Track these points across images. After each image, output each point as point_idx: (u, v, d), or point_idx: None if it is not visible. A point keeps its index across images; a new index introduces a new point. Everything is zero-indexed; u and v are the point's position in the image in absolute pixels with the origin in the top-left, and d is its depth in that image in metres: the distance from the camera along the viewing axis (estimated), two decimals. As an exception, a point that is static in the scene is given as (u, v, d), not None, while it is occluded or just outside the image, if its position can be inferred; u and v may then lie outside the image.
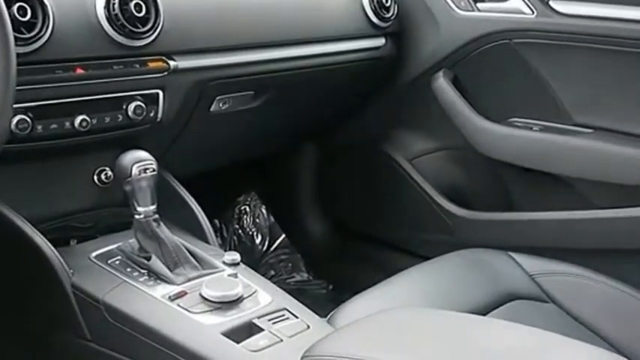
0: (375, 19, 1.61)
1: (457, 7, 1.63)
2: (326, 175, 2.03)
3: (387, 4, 1.62)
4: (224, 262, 1.17)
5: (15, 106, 0.95)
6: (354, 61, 1.62)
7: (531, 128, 1.61)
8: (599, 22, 1.48)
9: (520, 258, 1.38)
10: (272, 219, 2.15)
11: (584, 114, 1.57)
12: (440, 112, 1.67)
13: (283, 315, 1.08)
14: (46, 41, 1.10)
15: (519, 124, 1.63)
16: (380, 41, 1.66)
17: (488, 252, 1.40)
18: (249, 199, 2.14)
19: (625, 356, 0.88)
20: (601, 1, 1.50)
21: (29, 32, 1.07)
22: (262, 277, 1.19)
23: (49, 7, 1.10)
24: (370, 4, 1.60)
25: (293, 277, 2.07)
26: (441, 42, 1.65)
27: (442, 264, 1.38)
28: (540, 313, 1.28)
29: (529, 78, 1.59)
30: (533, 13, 1.55)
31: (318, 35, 1.53)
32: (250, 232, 2.12)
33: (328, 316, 1.17)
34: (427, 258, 1.44)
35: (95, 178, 1.31)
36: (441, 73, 1.66)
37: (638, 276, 1.40)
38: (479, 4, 1.63)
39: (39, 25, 1.09)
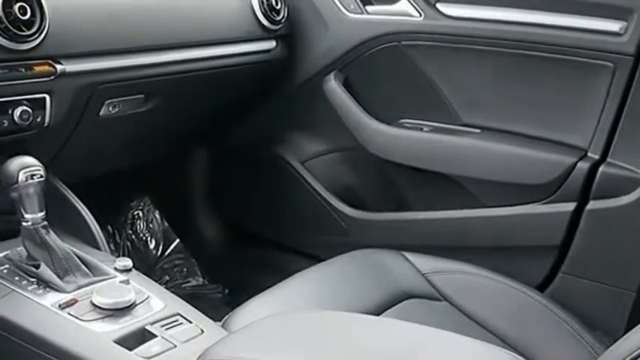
0: (265, 22, 1.65)
1: (346, 9, 1.69)
2: (219, 179, 2.05)
3: (278, 7, 1.67)
4: (116, 269, 1.19)
5: None
6: (245, 63, 1.66)
7: (421, 129, 1.68)
8: (484, 25, 1.57)
9: (413, 257, 1.43)
10: (166, 224, 2.15)
11: (472, 114, 1.65)
12: (332, 114, 1.73)
13: (177, 320, 1.10)
14: None
15: (409, 125, 1.70)
16: (270, 44, 1.70)
17: (382, 252, 1.45)
18: (142, 203, 2.13)
19: (517, 351, 0.94)
20: (486, 4, 1.58)
21: None
22: (155, 283, 1.21)
23: None
24: (260, 7, 1.64)
25: (188, 281, 2.08)
26: (331, 44, 1.71)
27: (336, 265, 1.42)
28: (433, 311, 1.34)
29: (418, 79, 1.66)
30: (420, 15, 1.62)
31: (208, 38, 1.56)
32: (144, 238, 2.12)
33: (222, 321, 1.20)
34: (322, 259, 1.48)
35: None
36: (332, 75, 1.72)
37: (530, 272, 1.49)
38: (368, 7, 1.69)
39: None
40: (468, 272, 1.42)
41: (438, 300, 1.37)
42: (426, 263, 1.43)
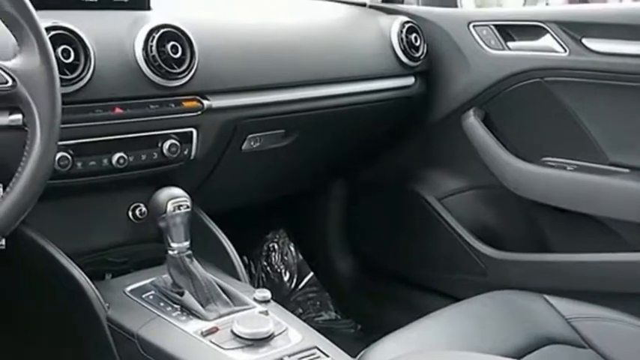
0: (404, 59, 1.68)
1: (487, 45, 1.68)
2: (354, 213, 2.08)
3: (417, 44, 1.70)
4: (255, 299, 1.22)
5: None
6: (384, 100, 1.69)
7: (565, 168, 1.64)
8: (632, 60, 1.52)
9: (555, 301, 1.38)
10: (300, 256, 2.21)
11: (620, 153, 1.59)
12: (470, 151, 1.72)
13: (314, 353, 1.12)
14: (88, 82, 1.19)
15: (552, 164, 1.67)
16: (409, 80, 1.73)
17: (522, 294, 1.41)
18: (277, 236, 2.20)
19: None
20: (635, 39, 1.52)
21: (72, 73, 1.16)
22: (293, 315, 1.24)
23: (90, 50, 1.19)
24: (400, 44, 1.67)
25: (321, 315, 2.12)
26: (471, 81, 1.71)
27: (474, 305, 1.39)
28: (577, 359, 1.28)
29: (562, 116, 1.63)
30: (565, 51, 1.59)
31: (349, 75, 1.61)
32: (279, 270, 2.18)
33: (358, 356, 1.20)
34: (457, 299, 1.46)
35: (130, 213, 1.39)
36: (471, 112, 1.71)
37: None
38: (509, 43, 1.68)
39: (81, 67, 1.18)
40: (615, 319, 1.35)
41: (583, 347, 1.31)
42: (569, 308, 1.37)
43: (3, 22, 0.97)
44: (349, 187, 2.06)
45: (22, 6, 0.96)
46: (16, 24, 0.96)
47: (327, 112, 1.58)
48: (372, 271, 2.09)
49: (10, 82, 0.93)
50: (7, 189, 0.93)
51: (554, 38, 1.61)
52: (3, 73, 0.93)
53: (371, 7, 1.84)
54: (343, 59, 1.61)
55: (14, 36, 0.98)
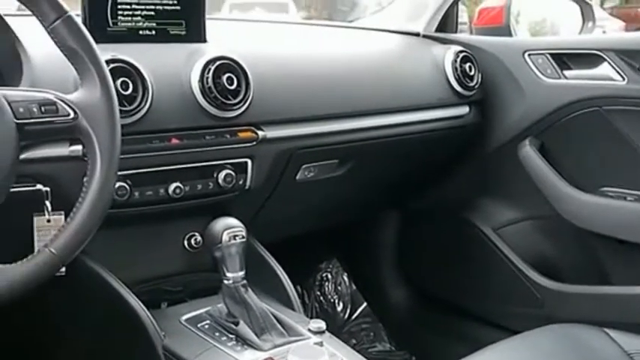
0: (458, 88, 1.68)
1: (543, 74, 1.68)
2: (408, 243, 2.07)
3: (471, 73, 1.70)
4: (310, 330, 1.22)
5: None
6: (438, 129, 1.68)
7: (625, 198, 1.62)
8: None
9: (616, 335, 1.35)
10: (354, 286, 2.20)
11: None
12: (527, 181, 1.70)
13: None
14: (145, 113, 1.21)
15: (612, 194, 1.64)
16: (464, 109, 1.72)
17: (582, 327, 1.38)
18: (330, 265, 2.20)
19: None
20: None
21: (130, 105, 1.19)
22: (348, 346, 1.24)
23: (148, 82, 1.21)
24: (454, 73, 1.67)
25: (375, 346, 2.10)
26: (527, 110, 1.70)
27: (532, 338, 1.36)
28: None
29: (621, 145, 1.61)
30: (624, 79, 1.57)
31: (403, 104, 1.61)
32: (332, 300, 2.18)
33: None
34: (513, 331, 1.43)
35: (185, 243, 1.41)
36: (527, 141, 1.70)
37: None
38: (565, 72, 1.67)
39: (139, 99, 1.20)
40: None
41: None
42: (631, 342, 1.34)
43: (66, 56, 1.00)
44: (402, 216, 2.06)
45: (84, 41, 0.99)
46: (78, 58, 0.99)
47: (381, 142, 1.58)
48: (427, 301, 2.08)
49: (72, 115, 0.96)
50: (68, 219, 0.95)
51: (612, 66, 1.60)
52: (65, 106, 0.96)
53: (424, 36, 1.85)
54: (397, 89, 1.62)
55: (76, 69, 1.01)
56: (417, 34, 1.86)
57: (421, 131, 1.65)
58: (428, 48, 1.77)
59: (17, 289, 0.89)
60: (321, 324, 1.22)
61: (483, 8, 1.96)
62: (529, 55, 1.70)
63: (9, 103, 0.91)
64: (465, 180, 1.87)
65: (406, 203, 2.00)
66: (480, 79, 1.72)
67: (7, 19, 1.16)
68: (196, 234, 1.41)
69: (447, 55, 1.69)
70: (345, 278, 2.20)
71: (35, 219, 1.09)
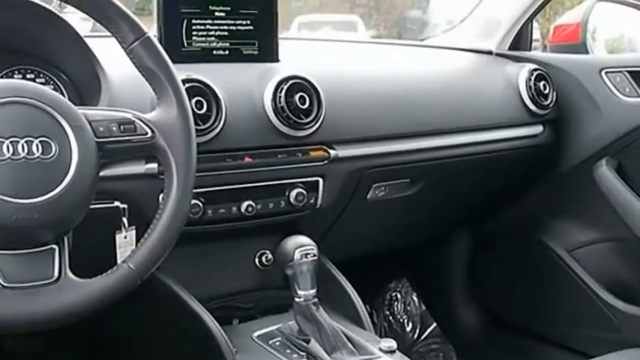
0: (533, 107, 1.66)
1: (621, 93, 1.65)
2: (479, 264, 2.05)
3: (546, 92, 1.67)
4: (380, 349, 1.21)
5: (192, 191, 1.08)
6: (511, 149, 1.66)
7: None
8: None
9: None
10: (423, 307, 2.19)
11: None
12: (602, 202, 1.67)
13: None
14: (219, 132, 1.24)
15: (692, 216, 1.59)
16: (538, 129, 1.70)
17: None
18: (400, 285, 2.19)
19: None
20: None
21: (204, 124, 1.22)
22: (419, 367, 1.24)
23: (222, 101, 1.24)
24: (528, 92, 1.65)
25: (445, 368, 2.10)
26: (603, 129, 1.67)
27: None
28: None
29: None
30: None
31: (475, 124, 1.60)
32: (401, 320, 2.17)
33: None
34: (588, 355, 1.42)
35: (256, 260, 1.43)
36: (603, 161, 1.67)
37: None
38: (645, 90, 1.63)
39: (213, 117, 1.23)
40: None
41: None
42: None
43: (144, 76, 1.03)
44: (473, 236, 2.04)
45: (162, 62, 1.02)
46: (155, 78, 1.02)
47: (453, 162, 1.58)
48: (498, 323, 2.05)
49: (150, 134, 0.99)
50: (145, 235, 0.98)
51: (694, 84, 1.56)
52: (143, 125, 0.99)
53: (497, 54, 1.84)
54: (469, 108, 1.61)
55: (153, 89, 1.03)
56: (490, 52, 1.85)
57: (494, 150, 1.63)
58: (501, 66, 1.75)
59: (97, 303, 0.92)
60: (392, 343, 1.22)
61: (559, 25, 1.93)
62: (606, 73, 1.67)
63: (90, 123, 0.95)
64: (538, 200, 1.84)
65: (477, 223, 1.98)
66: (554, 98, 1.69)
67: (86, 40, 1.21)
68: (267, 252, 1.43)
69: (521, 73, 1.68)
70: (415, 298, 2.19)
71: (117, 236, 1.12)
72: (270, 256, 1.43)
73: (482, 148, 1.61)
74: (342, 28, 9.72)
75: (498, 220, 1.93)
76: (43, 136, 0.89)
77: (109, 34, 1.01)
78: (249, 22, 1.39)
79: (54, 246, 0.91)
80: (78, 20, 1.21)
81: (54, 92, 0.96)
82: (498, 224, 1.94)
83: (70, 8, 1.03)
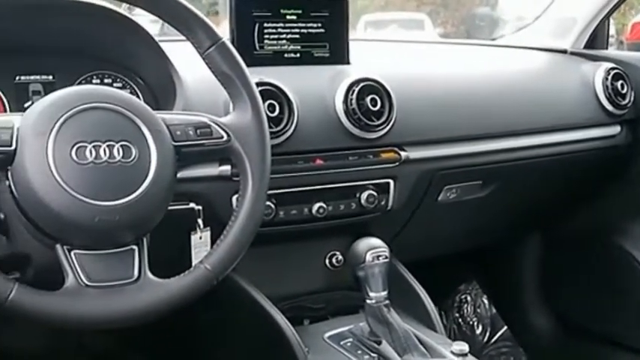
0: (609, 107, 1.63)
1: None
2: (552, 268, 2.01)
3: (624, 91, 1.64)
4: (452, 352, 1.21)
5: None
6: (587, 150, 1.64)
7: None
8: None
9: None
10: (493, 310, 2.17)
11: None
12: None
13: None
14: (291, 134, 1.26)
15: None
16: (615, 129, 1.67)
17: None
18: (470, 287, 2.18)
19: None
20: None
21: (276, 126, 1.24)
22: (490, 371, 1.24)
23: (293, 103, 1.26)
24: (604, 92, 1.62)
25: (515, 371, 2.07)
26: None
27: None
28: None
29: None
30: None
31: (549, 124, 1.58)
32: (471, 322, 2.16)
33: None
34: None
35: (327, 261, 1.45)
36: (683, 162, 1.63)
37: None
38: None
39: (285, 120, 1.26)
40: None
41: None
42: None
43: (219, 80, 1.05)
44: (546, 240, 2.00)
45: (237, 67, 1.04)
46: (231, 83, 1.04)
47: (527, 163, 1.56)
48: (572, 329, 2.01)
49: (226, 137, 1.01)
50: (221, 237, 1.00)
51: None
52: (219, 128, 1.01)
53: (572, 53, 1.81)
54: (543, 108, 1.59)
55: (228, 93, 1.06)
56: (564, 52, 1.82)
57: (569, 152, 1.61)
58: (576, 65, 1.72)
59: (175, 303, 0.95)
60: (464, 346, 1.22)
61: (637, 22, 1.89)
62: (689, 70, 1.63)
63: (167, 127, 0.98)
64: (615, 203, 1.81)
65: (550, 226, 1.95)
66: (633, 97, 1.66)
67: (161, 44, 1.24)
68: (337, 253, 1.45)
69: (598, 72, 1.65)
70: (485, 301, 2.17)
71: (193, 237, 1.15)
72: (340, 257, 1.45)
73: (557, 150, 1.59)
74: (408, 26, 9.67)
75: (573, 223, 1.90)
76: (123, 141, 0.92)
77: (180, 37, 1.04)
78: (320, 24, 1.41)
79: (134, 246, 0.94)
80: (147, 23, 1.24)
81: (134, 97, 1.00)
82: (572, 227, 1.91)
83: (138, 10, 1.07)
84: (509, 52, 1.88)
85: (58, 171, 0.88)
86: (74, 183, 0.88)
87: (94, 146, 0.90)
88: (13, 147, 0.89)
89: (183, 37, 1.04)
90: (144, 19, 1.20)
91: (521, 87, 1.60)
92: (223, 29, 1.13)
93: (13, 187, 0.90)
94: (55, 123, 0.90)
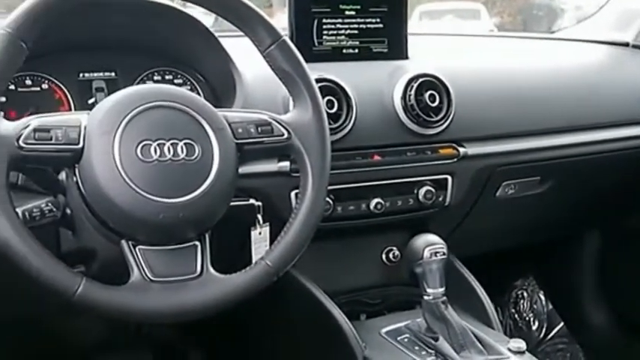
0: (673, 102, 1.59)
1: None
2: (610, 265, 1.99)
3: (689, 86, 1.61)
4: (509, 349, 1.21)
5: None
6: (644, 145, 1.61)
7: None
8: None
9: None
10: (550, 306, 2.15)
11: None
12: None
13: None
14: (350, 131, 1.27)
15: None
16: (679, 124, 1.63)
17: None
18: (526, 283, 2.16)
19: None
20: None
21: (335, 123, 1.25)
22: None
23: (352, 100, 1.27)
24: (669, 86, 1.59)
25: (571, 368, 2.05)
26: None
27: None
28: None
29: None
30: None
31: (610, 119, 1.56)
32: (527, 318, 2.14)
33: None
34: None
35: (383, 256, 1.45)
36: None
37: None
38: None
39: (343, 116, 1.27)
40: None
41: None
42: None
43: (279, 78, 1.06)
44: (605, 237, 1.98)
45: (298, 64, 1.05)
46: (291, 80, 1.05)
47: (586, 159, 1.54)
48: (629, 327, 1.98)
49: (286, 135, 1.02)
50: (282, 233, 1.02)
51: None
52: (280, 126, 1.02)
53: (634, 46, 1.78)
54: (604, 103, 1.57)
55: (288, 91, 1.07)
56: (626, 44, 1.78)
57: (631, 147, 1.59)
58: (638, 58, 1.69)
59: (237, 298, 0.96)
60: (521, 344, 1.21)
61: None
62: None
63: (229, 124, 0.99)
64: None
65: (609, 223, 1.93)
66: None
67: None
68: (394, 248, 1.45)
69: None
70: (542, 297, 2.15)
71: (252, 232, 1.16)
72: (397, 252, 1.45)
73: (617, 146, 1.57)
74: (464, 16, 9.56)
75: (632, 220, 1.87)
76: (187, 139, 0.94)
77: (237, 32, 1.05)
78: (378, 20, 1.41)
79: (196, 242, 0.96)
80: (200, 15, 1.25)
81: (196, 96, 1.01)
82: (632, 225, 1.88)
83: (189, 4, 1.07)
84: (569, 44, 1.86)
85: (124, 168, 0.90)
86: (139, 180, 0.90)
87: (158, 144, 0.92)
88: (80, 145, 0.91)
89: (241, 33, 1.05)
90: (195, 11, 1.20)
91: (582, 81, 1.58)
92: (277, 20, 1.14)
93: (80, 183, 0.93)
94: (121, 122, 0.92)
